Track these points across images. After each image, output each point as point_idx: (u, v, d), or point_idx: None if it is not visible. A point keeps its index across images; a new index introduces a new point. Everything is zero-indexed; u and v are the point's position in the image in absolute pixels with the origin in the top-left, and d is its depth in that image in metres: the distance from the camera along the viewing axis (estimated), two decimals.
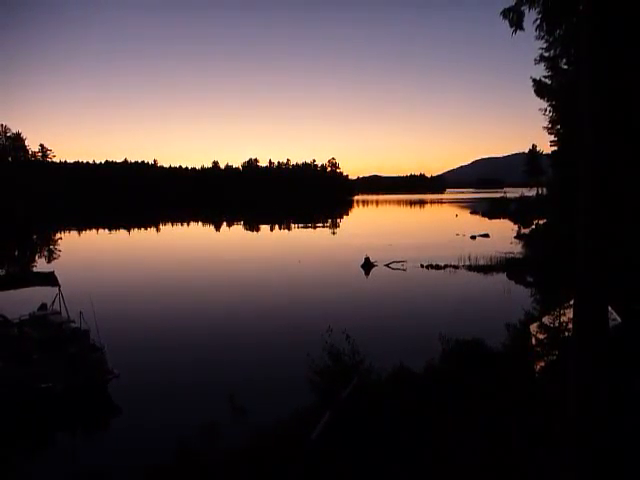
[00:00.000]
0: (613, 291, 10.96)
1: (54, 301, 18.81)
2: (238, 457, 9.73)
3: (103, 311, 19.67)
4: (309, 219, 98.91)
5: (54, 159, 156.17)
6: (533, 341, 13.97)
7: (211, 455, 9.91)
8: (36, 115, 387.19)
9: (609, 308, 9.35)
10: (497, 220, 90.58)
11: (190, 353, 18.98)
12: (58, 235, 70.18)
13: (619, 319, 12.14)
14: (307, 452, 9.42)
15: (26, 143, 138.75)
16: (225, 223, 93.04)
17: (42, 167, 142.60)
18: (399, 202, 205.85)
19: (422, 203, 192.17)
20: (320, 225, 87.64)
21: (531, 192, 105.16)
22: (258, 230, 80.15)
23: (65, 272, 27.81)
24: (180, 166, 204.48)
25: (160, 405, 14.69)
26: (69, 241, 64.25)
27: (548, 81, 28.01)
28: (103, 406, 15.22)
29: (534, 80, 28.57)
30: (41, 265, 41.91)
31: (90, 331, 16.70)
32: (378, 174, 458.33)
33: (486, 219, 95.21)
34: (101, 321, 16.60)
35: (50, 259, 46.37)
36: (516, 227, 69.70)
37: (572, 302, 8.00)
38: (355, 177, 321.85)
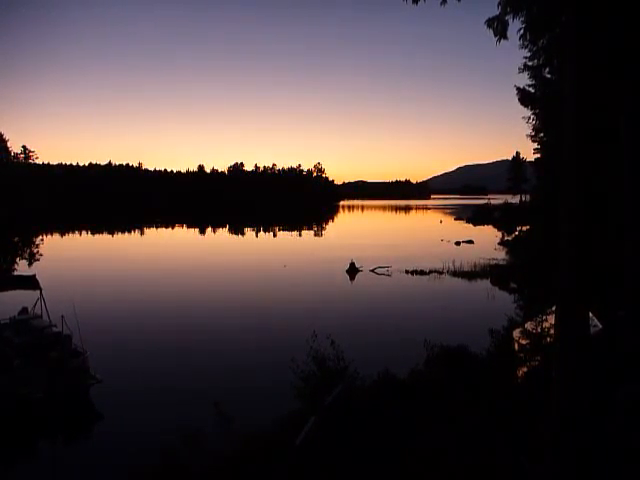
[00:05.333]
0: (595, 297, 11.12)
1: (35, 305, 18.53)
2: (222, 462, 9.67)
3: (86, 315, 19.50)
4: (294, 223, 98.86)
5: (37, 161, 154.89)
6: (516, 346, 14.10)
7: (195, 460, 9.84)
8: (18, 116, 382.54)
9: (590, 315, 9.49)
10: (481, 226, 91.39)
11: (174, 358, 18.83)
12: (40, 237, 69.27)
13: (600, 325, 12.31)
14: (291, 457, 9.39)
15: (8, 144, 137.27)
16: (210, 227, 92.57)
17: (25, 169, 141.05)
18: (384, 207, 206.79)
19: (407, 209, 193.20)
20: (305, 230, 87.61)
21: (515, 199, 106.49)
22: (243, 234, 79.89)
23: (47, 275, 27.49)
24: (165, 170, 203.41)
25: (143, 411, 14.55)
26: (51, 244, 63.38)
27: (532, 90, 28.54)
28: (85, 412, 15.02)
29: (518, 88, 29.06)
30: (22, 268, 41.30)
31: (72, 336, 16.48)
32: (364, 180, 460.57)
33: (470, 225, 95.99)
34: (83, 326, 16.41)
35: (32, 262, 45.69)
36: (500, 234, 70.48)
37: (554, 308, 8.11)
38: (341, 182, 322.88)
